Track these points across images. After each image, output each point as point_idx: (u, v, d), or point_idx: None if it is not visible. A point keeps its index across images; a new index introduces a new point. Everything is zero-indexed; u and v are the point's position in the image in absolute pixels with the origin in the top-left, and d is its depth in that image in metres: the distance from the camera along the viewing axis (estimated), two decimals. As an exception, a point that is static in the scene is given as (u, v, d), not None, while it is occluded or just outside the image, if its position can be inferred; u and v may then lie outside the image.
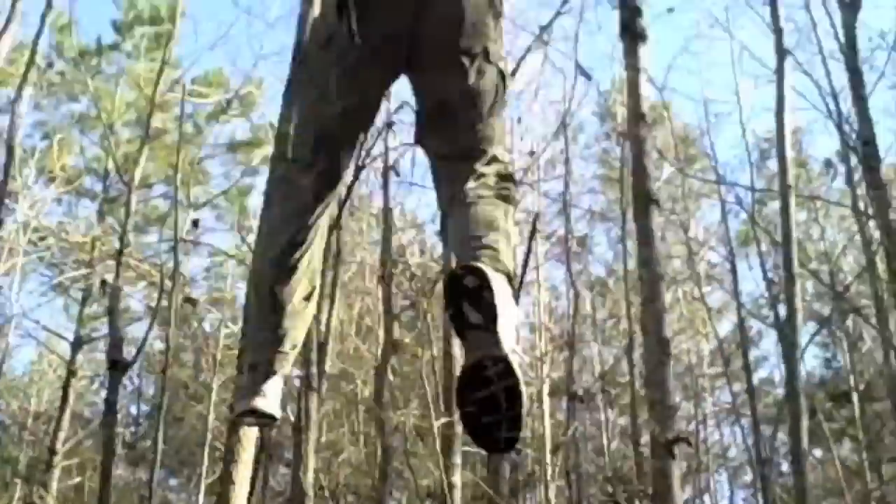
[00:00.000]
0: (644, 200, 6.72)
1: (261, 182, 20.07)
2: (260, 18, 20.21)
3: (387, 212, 11.60)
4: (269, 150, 19.19)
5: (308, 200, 2.53)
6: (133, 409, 22.90)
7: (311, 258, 2.55)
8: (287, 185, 2.58)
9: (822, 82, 11.16)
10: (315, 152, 2.53)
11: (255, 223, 18.23)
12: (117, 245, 11.68)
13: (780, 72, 8.95)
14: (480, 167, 2.53)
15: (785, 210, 8.40)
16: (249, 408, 2.50)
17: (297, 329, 2.57)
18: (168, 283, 11.72)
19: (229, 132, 19.45)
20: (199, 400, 19.26)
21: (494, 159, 2.56)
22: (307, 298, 2.57)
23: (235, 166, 19.42)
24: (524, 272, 7.74)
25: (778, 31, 9.06)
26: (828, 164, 17.13)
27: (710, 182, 14.03)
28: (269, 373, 2.53)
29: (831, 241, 15.86)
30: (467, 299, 2.15)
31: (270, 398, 2.52)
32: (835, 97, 10.60)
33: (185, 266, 19.02)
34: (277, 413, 2.55)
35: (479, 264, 2.19)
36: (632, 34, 7.19)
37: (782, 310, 13.53)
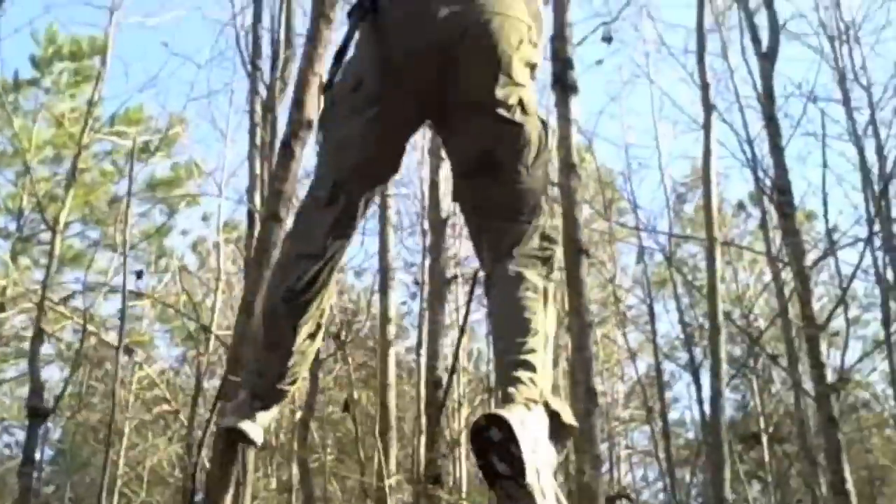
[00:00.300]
0: (574, 250, 6.90)
1: (181, 221, 19.99)
2: (191, 60, 20.17)
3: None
4: (189, 188, 19.20)
5: (322, 241, 2.52)
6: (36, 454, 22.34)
7: (321, 298, 2.56)
8: (305, 222, 2.60)
9: (737, 126, 11.59)
10: (332, 197, 2.53)
11: (172, 262, 18.19)
12: (33, 286, 11.45)
13: (706, 127, 9.21)
14: (524, 227, 2.47)
15: (710, 262, 8.65)
16: (238, 428, 2.57)
17: (299, 366, 2.61)
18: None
19: (149, 171, 19.22)
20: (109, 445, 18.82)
21: (537, 215, 2.50)
22: (312, 337, 2.60)
23: (155, 205, 19.21)
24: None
25: (704, 87, 9.36)
26: (740, 206, 17.68)
27: (630, 228, 14.34)
28: (268, 405, 2.61)
29: (744, 283, 16.33)
30: (495, 452, 2.07)
31: (259, 426, 2.60)
32: (750, 144, 10.97)
33: (103, 308, 18.86)
34: (260, 442, 2.63)
35: (506, 414, 2.08)
36: (563, 86, 7.39)
37: (697, 352, 14.04)
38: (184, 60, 17.40)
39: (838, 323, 10.48)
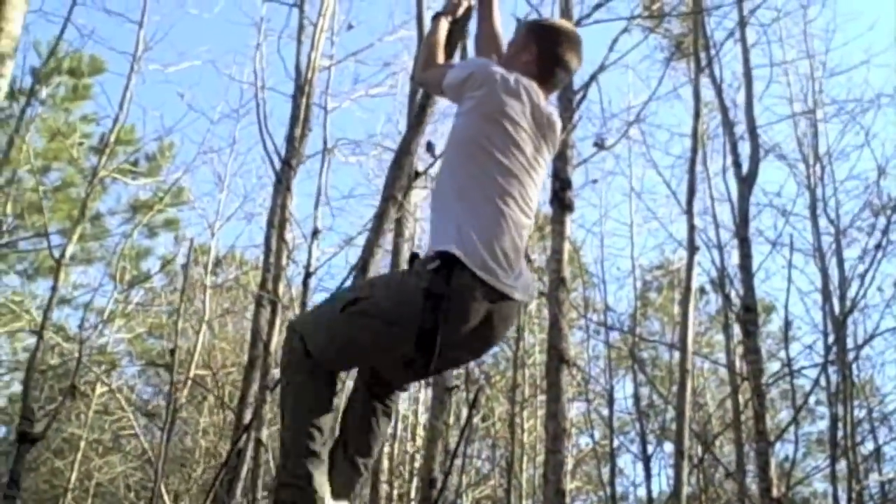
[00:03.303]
0: (557, 359, 7.42)
1: (158, 246, 20.25)
2: (205, 115, 21.03)
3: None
4: (169, 213, 19.55)
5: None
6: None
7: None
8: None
9: (710, 232, 12.24)
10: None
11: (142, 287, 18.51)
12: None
13: (689, 267, 9.80)
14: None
15: (682, 390, 9.20)
16: None
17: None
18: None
19: (133, 191, 19.48)
20: (61, 455, 18.98)
21: None
22: None
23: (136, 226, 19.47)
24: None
25: (691, 228, 9.93)
26: (702, 291, 18.35)
27: (601, 326, 14.92)
28: None
29: (700, 385, 16.97)
30: None
31: None
32: (722, 261, 11.59)
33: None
34: None
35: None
36: (561, 203, 7.95)
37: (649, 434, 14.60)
38: (198, 115, 17.84)
39: (790, 435, 11.03)
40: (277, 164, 9.54)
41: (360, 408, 3.20)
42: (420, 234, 15.36)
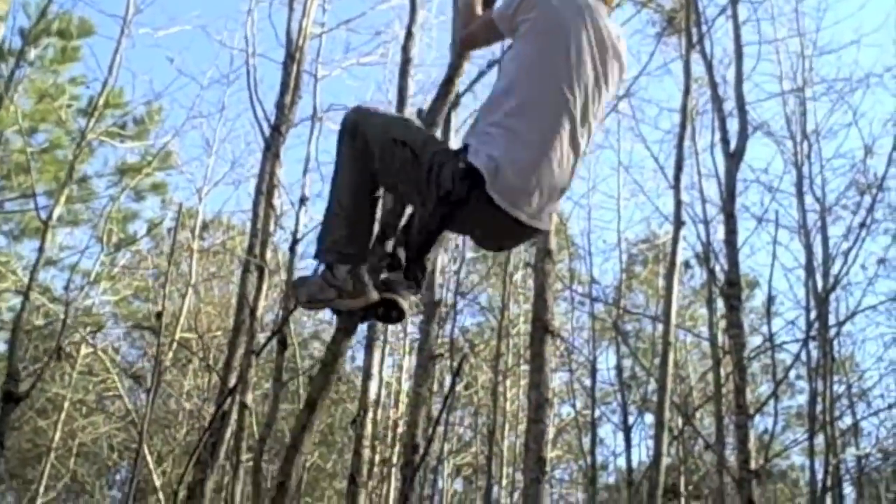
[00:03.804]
0: (541, 329, 7.48)
1: (145, 209, 20.20)
2: (195, 80, 21.20)
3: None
4: (157, 177, 19.49)
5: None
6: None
7: None
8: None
9: (696, 207, 12.33)
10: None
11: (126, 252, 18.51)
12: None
13: (675, 240, 9.85)
14: None
15: (664, 363, 9.28)
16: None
17: None
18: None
19: (120, 154, 19.41)
20: (44, 415, 19.02)
21: None
22: None
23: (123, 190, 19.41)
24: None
25: (677, 202, 9.99)
26: (686, 265, 18.44)
27: (586, 298, 15.01)
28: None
29: (682, 358, 17.10)
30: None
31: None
32: (707, 236, 11.69)
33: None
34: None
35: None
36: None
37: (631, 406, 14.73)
38: (188, 80, 17.85)
39: (769, 408, 11.15)
40: (267, 131, 9.55)
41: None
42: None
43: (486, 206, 2.91)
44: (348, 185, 3.16)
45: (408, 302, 3.24)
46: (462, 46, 3.53)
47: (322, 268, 3.17)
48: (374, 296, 3.13)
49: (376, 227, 3.20)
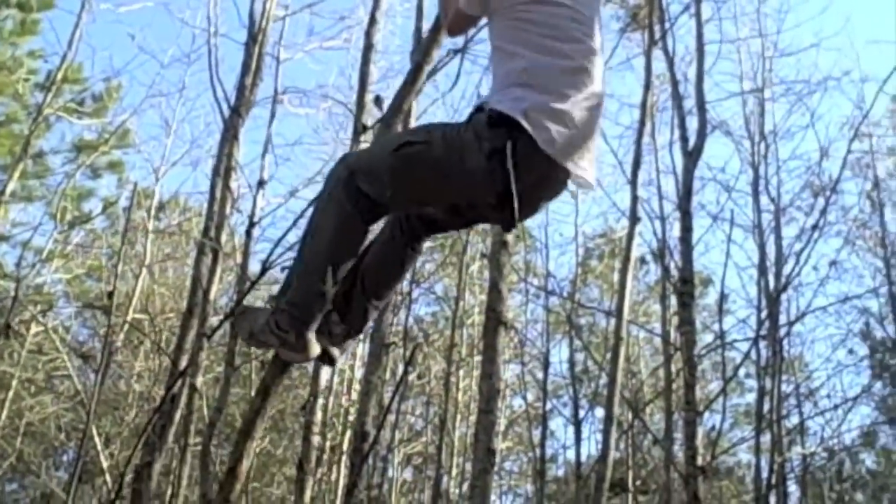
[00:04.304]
0: (494, 321, 7.50)
1: (101, 188, 19.98)
2: (154, 58, 21.11)
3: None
4: (114, 156, 19.30)
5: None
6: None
7: None
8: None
9: (654, 203, 12.42)
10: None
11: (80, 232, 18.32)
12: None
13: (630, 237, 9.92)
14: None
15: (615, 357, 9.35)
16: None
17: None
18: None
19: (77, 131, 19.18)
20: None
21: None
22: None
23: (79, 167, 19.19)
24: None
25: (634, 199, 10.03)
26: (642, 261, 18.58)
27: (541, 290, 15.07)
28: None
29: (634, 354, 17.26)
30: None
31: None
32: (664, 232, 11.78)
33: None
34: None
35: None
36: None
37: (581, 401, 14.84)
38: (148, 57, 17.72)
39: (718, 405, 11.27)
40: (226, 112, 9.48)
41: (392, 249, 3.16)
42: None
43: (522, 153, 2.75)
44: (325, 253, 2.96)
45: (343, 350, 3.20)
46: (451, 30, 3.43)
47: (271, 310, 3.04)
48: (316, 352, 3.04)
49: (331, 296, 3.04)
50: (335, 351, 3.17)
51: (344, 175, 2.96)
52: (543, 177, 2.86)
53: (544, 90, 2.83)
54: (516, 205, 2.77)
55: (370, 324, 3.25)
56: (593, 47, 2.98)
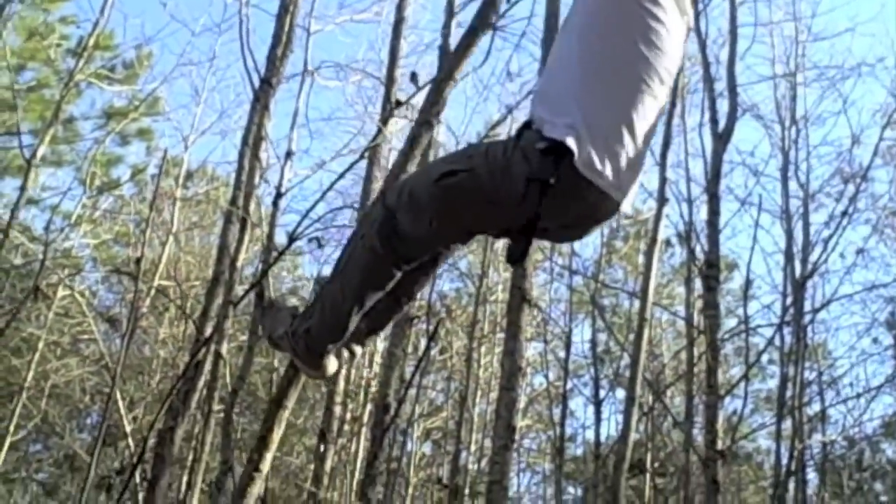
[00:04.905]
0: (519, 298, 7.51)
1: (130, 155, 20.08)
2: (186, 26, 21.23)
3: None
4: (143, 123, 19.38)
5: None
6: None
7: None
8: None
9: (681, 186, 12.37)
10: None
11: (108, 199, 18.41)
12: None
13: (657, 218, 9.88)
14: None
15: (638, 338, 9.34)
16: None
17: None
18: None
19: (108, 98, 19.26)
20: (18, 354, 18.92)
21: None
22: None
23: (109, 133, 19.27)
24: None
25: (662, 181, 9.98)
26: (668, 243, 18.53)
27: (566, 270, 15.07)
28: None
29: (657, 336, 17.22)
30: None
31: None
32: (690, 215, 11.72)
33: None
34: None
35: None
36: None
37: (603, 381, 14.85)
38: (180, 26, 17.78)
39: (739, 390, 11.27)
40: (256, 83, 9.48)
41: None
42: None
43: (570, 184, 2.58)
44: (352, 296, 2.90)
45: (365, 345, 3.25)
46: None
47: (290, 322, 3.04)
48: (331, 371, 3.05)
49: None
50: (356, 347, 3.17)
51: (381, 216, 2.87)
52: (594, 205, 2.69)
53: (601, 103, 2.66)
54: (532, 242, 2.70)
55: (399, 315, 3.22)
56: (667, 60, 2.78)
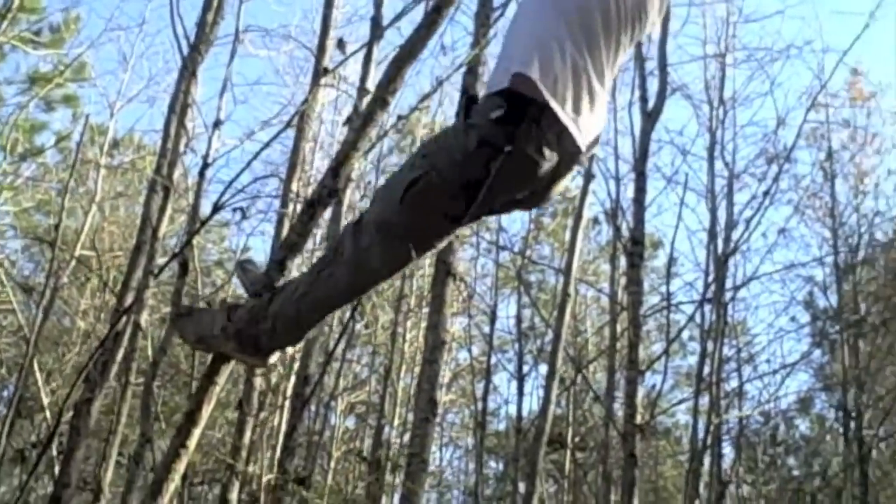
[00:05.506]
0: (443, 271, 7.53)
1: (54, 121, 19.67)
2: None
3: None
4: (69, 89, 18.97)
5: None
6: None
7: None
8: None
9: (609, 163, 12.48)
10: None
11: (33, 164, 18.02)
12: None
13: (584, 193, 9.97)
14: None
15: (561, 313, 9.43)
16: None
17: None
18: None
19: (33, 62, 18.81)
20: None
21: None
22: None
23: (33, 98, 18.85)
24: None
25: (590, 157, 10.02)
26: (595, 221, 18.69)
27: (492, 245, 15.13)
28: None
29: (581, 312, 17.38)
30: None
31: None
32: (618, 192, 11.86)
33: None
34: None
35: None
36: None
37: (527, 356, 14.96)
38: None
39: (660, 366, 11.43)
40: (185, 49, 9.32)
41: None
42: (323, 137, 15.26)
43: (532, 146, 2.52)
44: (318, 314, 2.87)
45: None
46: None
47: (223, 316, 2.89)
48: (274, 359, 3.02)
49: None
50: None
51: (350, 229, 2.80)
52: (557, 160, 2.61)
53: (562, 51, 2.60)
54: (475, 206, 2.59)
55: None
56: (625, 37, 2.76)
